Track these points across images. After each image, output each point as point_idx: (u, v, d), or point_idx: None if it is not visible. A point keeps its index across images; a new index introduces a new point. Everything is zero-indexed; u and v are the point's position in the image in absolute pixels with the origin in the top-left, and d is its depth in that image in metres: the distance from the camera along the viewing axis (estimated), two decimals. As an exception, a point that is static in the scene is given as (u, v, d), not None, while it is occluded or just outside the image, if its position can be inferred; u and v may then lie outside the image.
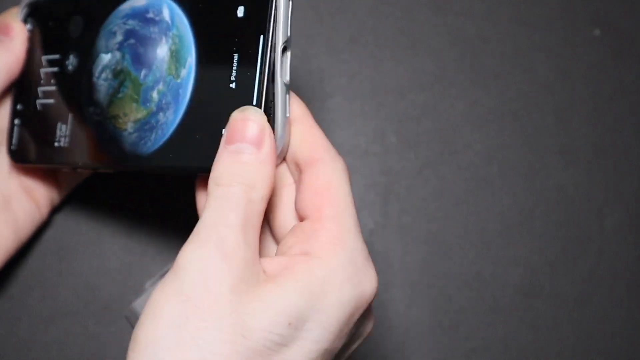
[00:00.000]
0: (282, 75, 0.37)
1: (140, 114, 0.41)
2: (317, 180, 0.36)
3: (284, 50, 0.37)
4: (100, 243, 0.52)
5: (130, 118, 0.42)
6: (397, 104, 0.55)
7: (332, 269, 0.34)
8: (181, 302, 0.32)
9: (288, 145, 0.38)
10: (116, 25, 0.43)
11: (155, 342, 0.32)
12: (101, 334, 0.51)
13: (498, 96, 0.56)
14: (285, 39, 0.37)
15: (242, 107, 0.36)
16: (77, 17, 0.45)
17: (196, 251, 0.33)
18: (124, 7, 0.43)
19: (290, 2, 0.37)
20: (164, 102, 0.40)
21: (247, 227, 0.33)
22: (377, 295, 0.36)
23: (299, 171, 0.37)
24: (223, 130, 0.37)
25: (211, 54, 0.39)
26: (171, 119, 0.40)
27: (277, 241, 0.39)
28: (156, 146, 0.40)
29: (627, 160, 0.55)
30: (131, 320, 0.50)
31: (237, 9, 0.38)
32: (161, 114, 0.41)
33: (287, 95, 0.37)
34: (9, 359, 0.51)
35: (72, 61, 0.45)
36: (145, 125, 0.41)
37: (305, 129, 0.37)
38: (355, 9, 0.56)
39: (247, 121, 0.35)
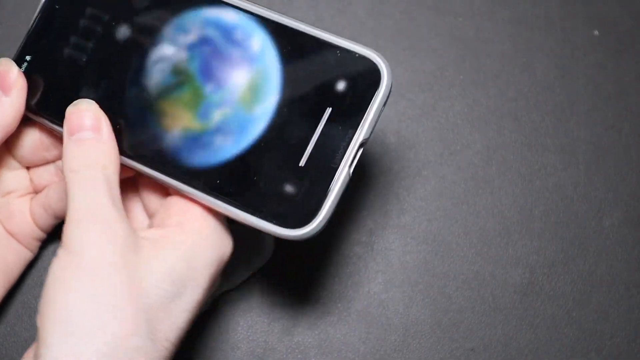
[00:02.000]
0: (350, 165, 0.38)
1: (194, 124, 0.41)
2: None
3: (361, 145, 0.38)
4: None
5: (179, 123, 0.41)
6: (396, 104, 0.55)
7: (201, 237, 0.39)
8: (83, 277, 0.36)
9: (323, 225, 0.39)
10: (193, 23, 0.42)
11: (68, 317, 0.35)
12: (101, 333, 0.51)
13: (497, 96, 0.56)
14: (367, 137, 0.38)
15: (75, 101, 0.40)
16: None
17: (83, 232, 0.37)
18: (209, 10, 0.42)
19: (383, 107, 0.38)
20: (226, 126, 0.40)
21: (115, 201, 0.38)
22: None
23: None
24: (287, 187, 0.39)
25: (295, 111, 0.39)
26: (229, 147, 0.40)
27: (148, 214, 0.43)
28: (202, 164, 0.40)
29: (626, 160, 0.55)
30: None
31: (337, 81, 0.39)
32: (219, 137, 0.40)
33: (345, 186, 0.39)
34: (10, 358, 0.51)
35: (124, 30, 0.43)
36: (196, 139, 0.41)
37: None
38: (355, 9, 0.56)
39: (82, 112, 0.40)
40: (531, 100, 0.56)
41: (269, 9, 0.42)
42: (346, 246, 0.53)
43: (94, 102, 0.41)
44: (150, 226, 0.41)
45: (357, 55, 0.39)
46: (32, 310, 0.51)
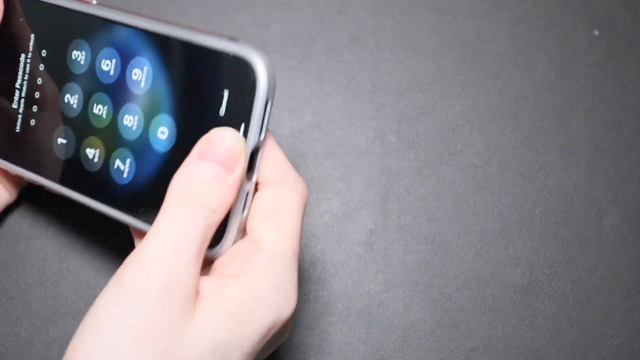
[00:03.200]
0: (249, 174, 0.36)
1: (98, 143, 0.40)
2: (268, 202, 0.36)
3: (254, 152, 0.36)
4: (101, 242, 0.52)
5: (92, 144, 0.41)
6: (397, 104, 0.55)
7: (258, 296, 0.34)
8: (122, 328, 0.32)
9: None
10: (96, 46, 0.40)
11: (96, 343, 0.32)
12: (102, 333, 0.51)
13: (497, 96, 0.56)
14: (257, 142, 0.35)
15: (225, 127, 0.35)
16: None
17: (143, 276, 0.33)
18: (104, 33, 0.40)
19: (269, 106, 0.35)
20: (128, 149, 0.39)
21: (199, 256, 0.34)
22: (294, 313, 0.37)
23: (255, 189, 0.37)
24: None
25: (187, 132, 0.37)
26: (131, 169, 0.39)
27: None
28: (107, 181, 0.40)
29: (626, 160, 0.55)
30: None
31: (217, 91, 0.35)
32: (125, 158, 0.39)
33: (251, 195, 0.36)
34: (10, 358, 0.51)
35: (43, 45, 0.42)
36: (106, 159, 0.40)
37: (267, 150, 0.37)
38: (355, 9, 0.56)
39: (225, 141, 0.34)
40: (531, 100, 0.56)
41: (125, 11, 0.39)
42: (346, 246, 0.53)
43: (243, 138, 0.35)
44: (214, 268, 0.37)
45: (230, 56, 0.35)
46: (32, 311, 0.51)
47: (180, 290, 0.33)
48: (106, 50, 0.40)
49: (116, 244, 0.52)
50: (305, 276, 0.53)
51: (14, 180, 0.49)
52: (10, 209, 0.52)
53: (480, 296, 0.53)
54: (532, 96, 0.56)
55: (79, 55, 0.41)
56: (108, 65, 0.40)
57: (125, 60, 0.39)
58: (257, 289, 0.34)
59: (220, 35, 0.36)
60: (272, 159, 0.36)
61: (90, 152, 0.41)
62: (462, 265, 0.53)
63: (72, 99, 0.41)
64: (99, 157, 0.40)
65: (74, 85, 0.41)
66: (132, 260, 0.33)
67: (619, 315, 0.53)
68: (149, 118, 0.38)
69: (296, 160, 0.54)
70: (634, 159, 0.55)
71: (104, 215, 0.41)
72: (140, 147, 0.38)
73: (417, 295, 0.53)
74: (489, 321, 0.53)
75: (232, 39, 0.35)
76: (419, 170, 0.54)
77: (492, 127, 0.55)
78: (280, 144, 0.54)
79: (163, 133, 0.37)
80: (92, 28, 0.40)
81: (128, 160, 0.39)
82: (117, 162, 0.39)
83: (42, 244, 0.52)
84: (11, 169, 0.45)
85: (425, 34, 0.56)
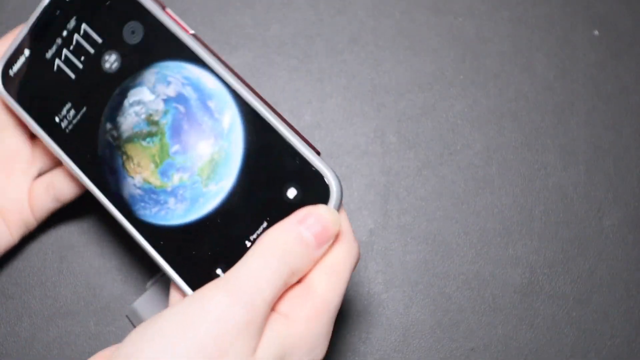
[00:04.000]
0: None
1: (154, 179, 0.41)
2: (328, 256, 0.39)
3: None
4: (101, 242, 0.52)
5: (142, 173, 0.41)
6: (397, 104, 0.55)
7: (301, 337, 0.37)
8: (193, 343, 0.35)
9: None
10: (175, 76, 0.41)
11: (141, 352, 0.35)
12: (101, 333, 0.51)
13: (497, 96, 0.56)
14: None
15: (329, 207, 0.39)
16: (136, 23, 0.42)
17: (227, 301, 0.36)
18: (192, 68, 0.41)
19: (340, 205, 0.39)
20: (181, 192, 0.40)
21: (272, 303, 0.37)
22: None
23: None
24: (219, 270, 0.39)
25: (245, 200, 0.39)
26: (179, 214, 0.40)
27: None
28: (151, 220, 0.41)
29: (626, 160, 0.55)
30: (132, 320, 0.50)
31: (289, 186, 0.39)
32: (172, 200, 0.40)
33: None
34: (10, 358, 0.51)
35: (112, 59, 0.43)
36: (153, 194, 0.41)
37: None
38: (355, 9, 0.56)
39: (325, 218, 0.38)
40: (531, 100, 0.56)
41: (247, 86, 0.41)
42: (346, 246, 0.53)
43: (339, 218, 0.39)
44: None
45: (313, 168, 0.39)
46: (32, 311, 0.51)
47: (255, 324, 0.36)
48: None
49: (116, 244, 0.52)
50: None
51: (20, 222, 0.49)
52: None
53: (480, 296, 0.53)
54: (532, 96, 0.56)
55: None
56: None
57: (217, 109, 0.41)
58: (302, 330, 0.38)
59: (309, 145, 0.40)
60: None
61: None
62: (462, 265, 0.53)
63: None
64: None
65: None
66: (218, 284, 0.36)
67: (619, 315, 0.53)
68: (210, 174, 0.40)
69: (296, 160, 0.54)
70: (634, 159, 0.55)
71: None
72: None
73: (417, 295, 0.53)
74: (489, 321, 0.53)
75: (318, 153, 0.40)
76: (419, 170, 0.54)
77: (492, 127, 0.55)
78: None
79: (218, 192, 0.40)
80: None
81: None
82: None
83: (42, 244, 0.52)
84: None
85: (425, 34, 0.56)
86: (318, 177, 0.39)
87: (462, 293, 0.53)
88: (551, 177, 0.55)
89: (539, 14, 0.57)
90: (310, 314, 0.38)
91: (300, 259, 0.38)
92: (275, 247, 0.37)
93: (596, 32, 0.57)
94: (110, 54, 0.43)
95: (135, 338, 0.36)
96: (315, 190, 0.39)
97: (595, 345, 0.53)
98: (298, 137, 0.39)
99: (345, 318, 0.52)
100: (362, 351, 0.52)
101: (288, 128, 0.40)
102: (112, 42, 0.43)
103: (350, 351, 0.52)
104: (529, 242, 0.54)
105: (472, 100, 0.56)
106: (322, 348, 0.39)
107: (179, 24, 0.41)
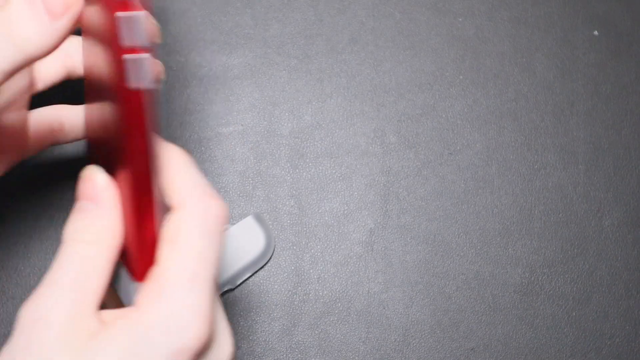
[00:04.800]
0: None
1: None
2: (167, 229, 0.35)
3: None
4: (101, 243, 0.52)
5: None
6: (396, 104, 0.55)
7: (150, 325, 0.33)
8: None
9: None
10: None
11: None
12: (102, 333, 0.51)
13: (497, 96, 0.56)
14: None
15: (88, 167, 0.35)
16: None
17: (33, 310, 0.33)
18: None
19: None
20: None
21: (81, 284, 0.33)
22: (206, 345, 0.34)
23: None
24: None
25: None
26: None
27: None
28: None
29: (626, 160, 0.55)
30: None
31: None
32: None
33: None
34: (10, 358, 0.51)
35: None
36: None
37: (174, 171, 0.35)
38: (355, 9, 0.56)
39: (87, 180, 0.35)
40: (531, 100, 0.56)
41: None
42: (346, 246, 0.53)
43: (101, 170, 0.35)
44: None
45: None
46: (33, 311, 0.51)
47: (64, 317, 0.33)
48: None
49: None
50: (306, 276, 0.53)
51: (5, 154, 0.45)
52: (11, 207, 0.52)
53: (480, 296, 0.53)
54: (532, 96, 0.56)
55: None
56: None
57: None
58: (149, 317, 0.33)
59: None
60: (175, 183, 0.35)
61: None
62: (462, 265, 0.53)
63: None
64: None
65: None
66: (28, 301, 0.34)
67: (618, 314, 0.53)
68: None
69: (296, 160, 0.54)
70: (634, 159, 0.55)
71: None
72: None
73: (417, 295, 0.53)
74: (489, 321, 0.53)
75: None
76: (419, 170, 0.54)
77: (492, 127, 0.55)
78: (280, 144, 0.54)
79: None
80: None
81: None
82: None
83: (42, 244, 0.52)
84: None
85: (425, 34, 0.56)
86: None
87: (462, 293, 0.53)
88: (551, 177, 0.55)
89: (539, 14, 0.57)
90: (153, 296, 0.33)
91: (87, 229, 0.34)
92: (62, 243, 0.35)
93: (596, 32, 0.57)
94: None
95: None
96: None
97: (595, 345, 0.53)
98: None
99: (345, 318, 0.52)
100: (362, 351, 0.52)
101: None
102: None
103: (350, 351, 0.52)
104: (529, 242, 0.54)
105: (472, 100, 0.56)
106: (188, 330, 0.33)
107: None
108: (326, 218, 0.53)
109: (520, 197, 0.54)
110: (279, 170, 0.54)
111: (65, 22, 0.34)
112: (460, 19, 0.57)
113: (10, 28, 0.34)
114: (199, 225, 0.34)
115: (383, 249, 0.53)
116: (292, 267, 0.53)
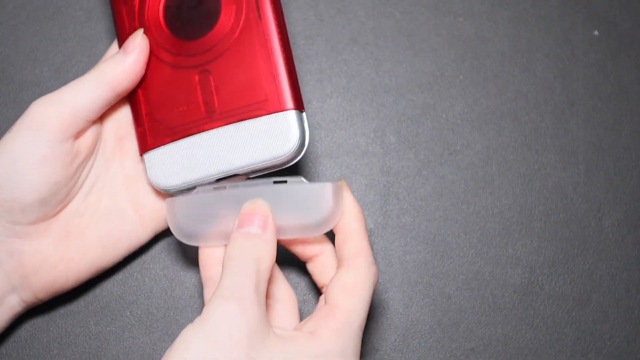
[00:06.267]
0: None
1: None
2: (348, 278, 0.43)
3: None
4: (101, 243, 0.52)
5: None
6: (396, 104, 0.55)
7: (326, 350, 0.41)
8: (207, 342, 0.39)
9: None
10: None
11: None
12: (101, 333, 0.51)
13: (497, 96, 0.56)
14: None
15: (251, 200, 0.44)
16: None
17: (220, 305, 0.40)
18: None
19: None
20: None
21: (259, 289, 0.41)
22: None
23: (339, 262, 0.45)
24: None
25: None
26: None
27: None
28: None
29: (626, 160, 0.55)
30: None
31: None
32: None
33: None
34: (10, 358, 0.51)
35: None
36: None
37: (356, 228, 0.45)
38: (355, 9, 0.56)
39: (255, 213, 0.44)
40: (531, 100, 0.56)
41: None
42: (346, 246, 0.53)
43: (266, 203, 0.44)
44: (297, 327, 0.45)
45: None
46: (33, 310, 0.51)
47: (252, 311, 0.40)
48: None
49: (116, 244, 0.52)
50: (306, 276, 0.53)
51: (154, 219, 0.49)
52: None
53: (480, 296, 0.53)
54: (532, 96, 0.56)
55: None
56: None
57: None
58: (326, 345, 0.41)
59: None
60: (359, 239, 0.44)
61: None
62: (462, 265, 0.53)
63: None
64: None
65: None
66: (210, 302, 0.41)
67: (619, 315, 0.53)
68: None
69: (296, 160, 0.54)
70: (634, 159, 0.55)
71: None
72: None
73: (417, 295, 0.53)
74: (489, 321, 0.53)
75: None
76: (419, 170, 0.54)
77: (492, 127, 0.55)
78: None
79: None
80: None
81: None
82: None
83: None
84: None
85: (425, 34, 0.56)
86: None
87: (462, 293, 0.53)
88: (551, 177, 0.55)
89: (539, 14, 0.57)
90: (336, 326, 0.42)
91: (256, 249, 0.42)
92: (230, 260, 0.42)
93: (596, 32, 0.57)
94: None
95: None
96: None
97: (595, 345, 0.53)
98: None
99: (345, 318, 0.52)
100: (362, 351, 0.52)
101: None
102: None
103: (350, 351, 0.52)
104: (529, 242, 0.54)
105: (472, 100, 0.56)
106: None
107: None
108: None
109: (520, 197, 0.54)
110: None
111: (136, 54, 0.46)
112: (460, 19, 0.57)
113: (105, 72, 0.45)
114: (372, 285, 0.44)
115: (383, 249, 0.53)
116: (292, 267, 0.53)
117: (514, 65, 0.56)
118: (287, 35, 0.46)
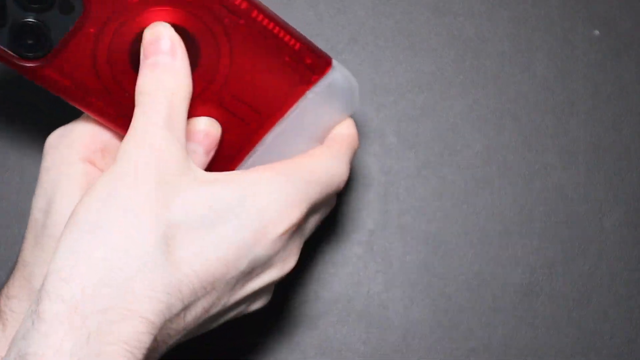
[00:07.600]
0: None
1: None
2: (317, 150, 0.42)
3: None
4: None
5: None
6: (396, 104, 0.55)
7: (258, 191, 0.38)
8: (112, 182, 0.36)
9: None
10: None
11: (84, 217, 0.36)
12: (101, 333, 0.51)
13: (497, 96, 0.56)
14: None
15: (151, 25, 0.39)
16: None
17: (130, 146, 0.37)
18: None
19: None
20: None
21: (172, 126, 0.37)
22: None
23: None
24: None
25: None
26: None
27: None
28: None
29: (626, 160, 0.55)
30: None
31: None
32: None
33: None
34: (10, 358, 0.51)
35: None
36: None
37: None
38: (355, 9, 0.56)
39: (158, 35, 0.39)
40: (531, 100, 0.56)
41: None
42: (346, 246, 0.53)
43: (169, 25, 0.39)
44: None
45: None
46: (32, 310, 0.51)
47: (164, 148, 0.37)
48: None
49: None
50: (306, 276, 0.53)
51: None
52: (7, 209, 0.52)
53: (480, 296, 0.53)
54: (532, 96, 0.56)
55: None
56: None
57: None
58: (260, 185, 0.38)
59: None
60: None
61: None
62: (462, 265, 0.53)
63: None
64: None
65: None
66: (122, 143, 0.38)
67: (619, 315, 0.53)
68: None
69: (296, 160, 0.54)
70: (634, 159, 0.55)
71: None
72: None
73: (417, 295, 0.53)
74: (489, 321, 0.53)
75: None
76: (419, 170, 0.54)
77: (492, 127, 0.55)
78: (280, 144, 0.54)
79: None
80: None
81: None
82: None
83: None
84: None
85: (425, 34, 0.56)
86: None
87: (462, 293, 0.53)
88: (551, 177, 0.55)
89: (539, 14, 0.57)
90: (279, 169, 0.39)
91: (166, 80, 0.39)
92: (141, 95, 0.39)
93: (596, 32, 0.57)
94: None
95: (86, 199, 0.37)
96: None
97: (595, 345, 0.53)
98: None
99: (345, 318, 0.52)
100: (362, 351, 0.52)
101: None
102: None
103: (350, 351, 0.52)
104: (529, 242, 0.54)
105: (472, 100, 0.56)
106: (299, 201, 0.39)
107: None
108: (326, 218, 0.53)
109: (520, 197, 0.54)
110: (279, 170, 0.54)
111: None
112: (460, 19, 0.57)
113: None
114: (329, 172, 0.42)
115: (383, 249, 0.53)
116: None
117: (514, 65, 0.56)
118: (276, 15, 0.41)
